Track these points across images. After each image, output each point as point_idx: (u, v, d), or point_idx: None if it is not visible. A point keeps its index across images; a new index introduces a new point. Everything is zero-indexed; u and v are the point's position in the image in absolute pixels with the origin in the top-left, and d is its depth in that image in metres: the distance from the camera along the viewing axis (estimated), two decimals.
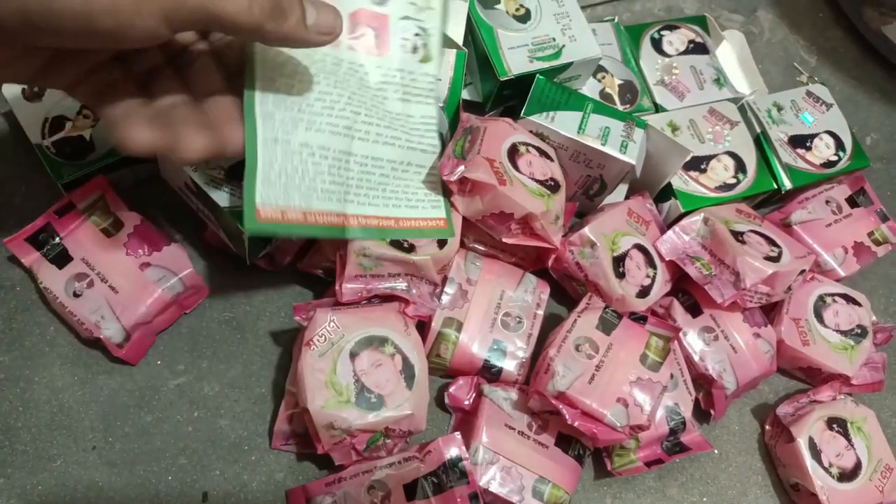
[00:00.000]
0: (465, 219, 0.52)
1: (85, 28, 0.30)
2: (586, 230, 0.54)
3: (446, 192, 0.50)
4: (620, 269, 0.54)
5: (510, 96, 0.58)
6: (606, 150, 0.53)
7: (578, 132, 0.54)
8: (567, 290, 0.59)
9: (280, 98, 0.42)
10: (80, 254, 0.50)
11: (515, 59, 0.56)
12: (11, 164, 0.56)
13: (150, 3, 0.30)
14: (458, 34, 0.56)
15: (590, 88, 0.63)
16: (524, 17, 0.58)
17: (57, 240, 0.51)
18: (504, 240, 0.52)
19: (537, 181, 0.52)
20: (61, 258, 0.50)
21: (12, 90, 0.52)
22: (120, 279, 0.50)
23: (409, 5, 0.49)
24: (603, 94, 0.63)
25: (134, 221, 0.51)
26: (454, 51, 0.54)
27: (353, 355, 0.46)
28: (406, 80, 0.49)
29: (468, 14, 0.57)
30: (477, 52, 0.57)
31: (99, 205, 0.51)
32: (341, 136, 0.45)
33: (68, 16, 0.29)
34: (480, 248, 0.56)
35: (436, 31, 0.50)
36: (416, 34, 0.49)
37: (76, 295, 0.49)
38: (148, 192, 0.56)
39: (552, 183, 0.52)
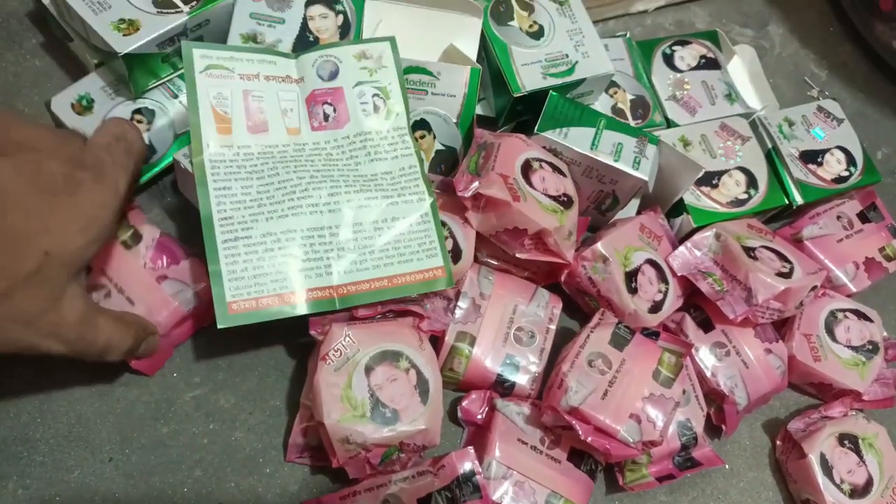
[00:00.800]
0: (478, 234, 0.52)
1: None
2: (599, 245, 0.54)
3: (441, 236, 0.49)
4: (633, 285, 0.55)
5: (523, 112, 0.59)
6: (619, 166, 0.54)
7: (591, 148, 0.54)
8: (580, 304, 0.59)
9: (237, 200, 0.46)
10: (99, 265, 0.51)
11: (529, 76, 0.56)
12: None
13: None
14: (471, 51, 0.57)
15: (602, 104, 0.63)
16: (537, 34, 0.58)
17: None
18: (517, 255, 0.52)
19: (550, 197, 0.52)
20: None
21: (61, 102, 0.53)
22: (137, 291, 0.50)
23: (362, 70, 0.51)
24: (615, 109, 0.63)
25: (153, 234, 0.51)
26: (468, 67, 0.55)
27: (368, 370, 0.47)
28: (375, 141, 0.50)
29: (482, 31, 0.57)
30: (490, 68, 0.58)
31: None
32: (307, 215, 0.47)
33: None
34: (493, 262, 0.56)
35: (394, 86, 0.52)
36: (375, 94, 0.51)
37: None
38: (167, 205, 0.57)
39: (565, 198, 0.53)
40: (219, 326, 0.43)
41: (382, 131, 0.51)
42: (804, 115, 0.67)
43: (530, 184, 0.52)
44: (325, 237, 0.47)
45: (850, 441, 0.55)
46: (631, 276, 0.55)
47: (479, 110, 0.60)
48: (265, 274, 0.45)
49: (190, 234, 0.56)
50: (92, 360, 0.42)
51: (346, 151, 0.50)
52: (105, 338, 0.42)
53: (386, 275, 0.47)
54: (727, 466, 0.57)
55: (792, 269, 0.56)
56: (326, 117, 0.50)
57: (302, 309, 0.45)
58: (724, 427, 0.56)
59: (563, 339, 0.55)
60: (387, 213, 0.49)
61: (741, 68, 0.72)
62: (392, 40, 0.53)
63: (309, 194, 0.47)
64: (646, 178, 0.54)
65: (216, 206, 0.45)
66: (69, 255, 0.38)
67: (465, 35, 0.57)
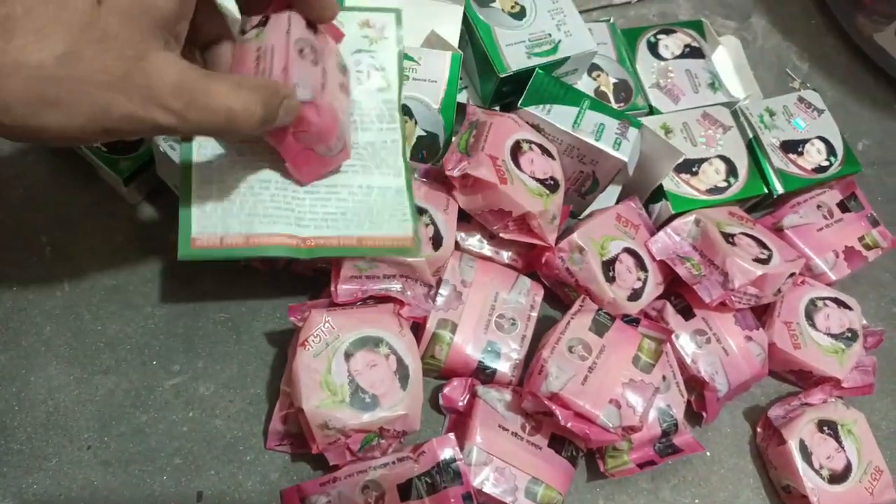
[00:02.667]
0: (459, 216, 0.52)
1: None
2: (575, 236, 0.55)
3: (413, 208, 0.49)
4: (610, 273, 0.55)
5: (509, 93, 0.59)
6: (600, 145, 0.54)
7: (574, 127, 0.54)
8: (559, 296, 0.59)
9: (218, 149, 0.45)
10: None
11: (513, 56, 0.56)
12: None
13: (146, 130, 0.34)
14: (453, 37, 0.57)
15: (585, 86, 0.63)
16: (519, 15, 0.59)
17: None
18: (501, 235, 0.53)
19: (538, 180, 0.52)
20: None
21: None
22: None
23: (362, 38, 0.51)
24: (598, 92, 0.63)
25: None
26: (449, 53, 0.55)
27: (347, 356, 0.46)
28: (363, 110, 0.50)
29: (465, 14, 0.57)
30: (476, 51, 0.58)
31: None
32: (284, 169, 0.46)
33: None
34: (475, 251, 0.56)
35: (392, 59, 0.52)
36: (371, 65, 0.51)
37: None
38: (160, 193, 0.57)
39: (552, 182, 0.53)
40: (179, 258, 0.42)
41: (372, 102, 0.51)
42: (785, 105, 0.67)
43: (518, 166, 0.52)
44: (298, 192, 0.46)
45: (829, 427, 0.56)
46: (608, 265, 0.55)
47: (464, 99, 0.60)
48: (234, 216, 0.44)
49: (171, 215, 0.56)
50: (228, 137, 0.40)
51: None
52: (225, 104, 0.35)
53: (356, 234, 0.47)
54: (708, 453, 0.57)
55: (770, 256, 0.56)
56: None
57: (267, 252, 0.45)
58: (704, 414, 0.56)
59: (544, 328, 0.55)
60: (364, 181, 0.49)
61: (726, 58, 0.73)
62: (398, 12, 0.53)
63: None
64: (626, 159, 0.54)
65: (197, 151, 0.45)
66: (127, 4, 0.32)
67: (447, 22, 0.57)
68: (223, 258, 0.44)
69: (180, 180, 0.44)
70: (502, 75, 0.55)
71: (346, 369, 0.46)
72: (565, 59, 0.58)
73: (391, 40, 0.52)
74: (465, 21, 0.58)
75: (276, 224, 0.45)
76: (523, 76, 0.56)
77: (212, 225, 0.44)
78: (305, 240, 0.46)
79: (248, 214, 0.45)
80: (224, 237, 0.43)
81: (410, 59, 0.54)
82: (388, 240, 0.48)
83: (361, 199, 0.48)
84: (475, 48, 0.58)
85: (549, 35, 0.58)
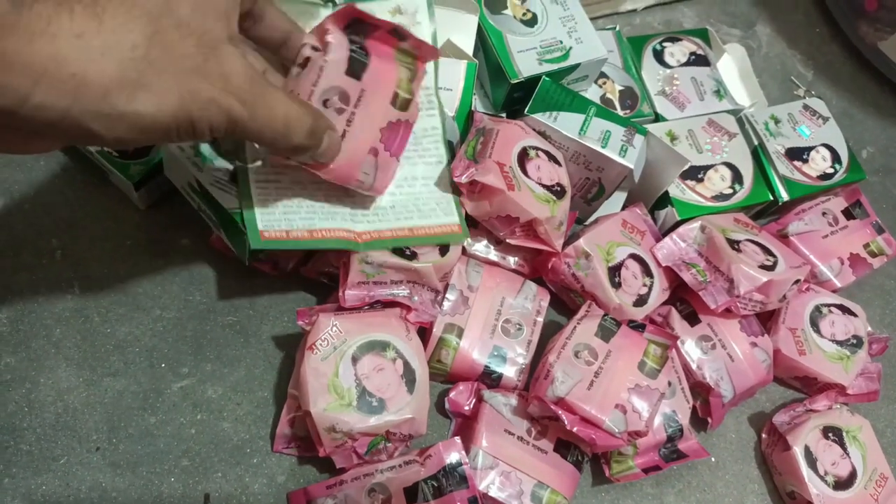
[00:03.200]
0: (468, 219, 0.53)
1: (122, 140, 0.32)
2: (581, 241, 0.55)
3: (457, 196, 0.51)
4: (616, 279, 0.55)
5: (521, 99, 0.60)
6: (606, 152, 0.54)
7: (580, 133, 0.55)
8: (566, 301, 0.60)
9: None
10: None
11: (525, 62, 0.57)
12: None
13: (205, 134, 0.34)
14: (468, 46, 0.57)
15: (591, 94, 0.64)
16: (531, 22, 0.59)
17: None
18: (508, 241, 0.53)
19: (544, 186, 0.53)
20: None
21: None
22: None
23: None
24: (604, 99, 0.64)
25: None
26: (465, 61, 0.55)
27: (355, 359, 0.47)
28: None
29: (479, 22, 0.58)
30: (488, 58, 0.58)
31: None
32: None
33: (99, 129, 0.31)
34: (481, 256, 0.57)
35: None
36: None
37: None
38: (169, 198, 0.58)
39: (559, 188, 0.53)
40: (252, 248, 0.44)
41: None
42: (790, 112, 0.67)
43: (525, 172, 0.52)
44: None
45: (834, 433, 0.56)
46: (614, 271, 0.55)
47: (477, 106, 0.61)
48: (294, 212, 0.46)
49: (180, 219, 0.56)
50: (278, 148, 0.38)
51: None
52: (283, 111, 0.36)
53: (407, 225, 0.49)
54: (713, 459, 0.57)
55: (776, 263, 0.56)
56: None
57: (328, 245, 0.47)
58: (709, 420, 0.56)
59: (550, 333, 0.55)
60: (409, 172, 0.50)
61: (731, 66, 0.73)
62: None
63: None
64: (631, 166, 0.54)
65: (251, 156, 0.47)
66: None
67: (462, 31, 0.58)
68: (294, 248, 0.46)
69: (239, 183, 0.46)
70: (514, 81, 0.56)
71: (353, 373, 0.46)
72: (576, 66, 0.58)
73: (424, 25, 0.52)
74: (478, 29, 0.58)
75: (334, 220, 0.47)
76: (535, 82, 0.57)
77: (276, 220, 0.45)
78: (360, 234, 0.47)
79: (308, 211, 0.47)
80: (289, 231, 0.45)
81: None
82: (437, 228, 0.50)
83: (408, 191, 0.50)
84: (487, 54, 0.58)
85: (561, 42, 0.59)
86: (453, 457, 0.47)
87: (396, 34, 0.43)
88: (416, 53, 0.45)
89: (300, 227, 0.46)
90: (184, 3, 0.31)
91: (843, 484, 0.54)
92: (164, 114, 0.31)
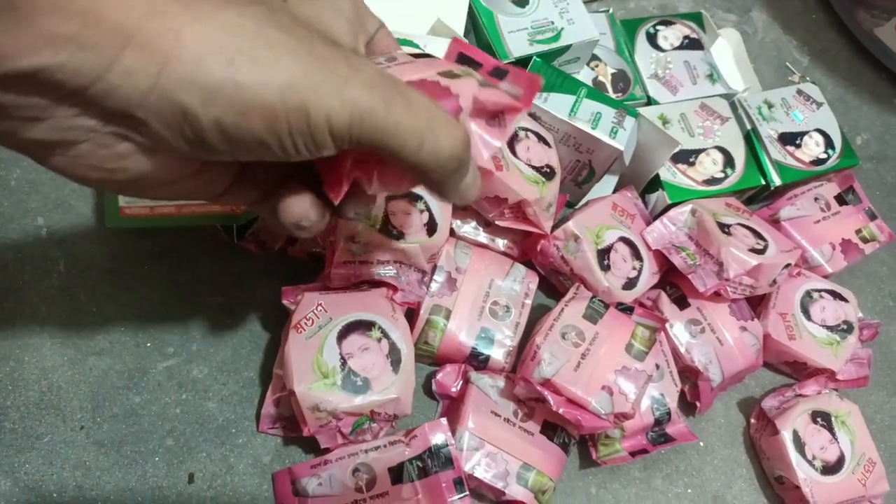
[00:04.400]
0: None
1: (272, 144, 0.26)
2: (570, 224, 0.55)
3: None
4: (605, 262, 0.55)
5: None
6: (596, 134, 0.54)
7: (570, 115, 0.54)
8: (554, 284, 0.59)
9: None
10: None
11: (516, 43, 0.57)
12: None
13: (321, 129, 0.26)
14: (459, 25, 0.57)
15: (583, 76, 0.64)
16: (523, 2, 0.59)
17: None
18: (497, 222, 0.53)
19: (534, 168, 0.52)
20: None
21: None
22: None
23: None
24: (596, 82, 0.63)
25: None
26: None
27: (339, 339, 0.47)
28: None
29: (468, 1, 0.58)
30: (479, 39, 0.58)
31: None
32: None
33: (256, 135, 0.26)
34: (469, 239, 0.56)
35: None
36: None
37: None
38: None
39: (548, 170, 0.53)
40: (108, 226, 0.44)
41: None
42: (784, 97, 0.67)
43: (515, 153, 0.52)
44: None
45: (822, 418, 0.55)
46: (603, 254, 0.55)
47: None
48: None
49: None
50: (419, 162, 0.28)
51: None
52: (426, 106, 0.28)
53: None
54: (701, 443, 0.57)
55: (766, 247, 0.56)
56: None
57: (198, 220, 0.46)
58: (698, 404, 0.56)
59: (538, 316, 0.55)
60: None
61: (726, 51, 0.73)
62: None
63: None
64: (621, 148, 0.54)
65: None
66: None
67: (453, 11, 0.57)
68: (153, 227, 0.44)
69: None
70: (505, 62, 0.55)
71: (337, 352, 0.46)
72: (567, 48, 0.58)
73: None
74: (468, 8, 0.58)
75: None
76: (526, 63, 0.56)
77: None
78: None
79: None
80: (154, 207, 0.44)
81: (416, 46, 0.54)
82: None
83: None
84: (478, 34, 0.58)
85: (552, 23, 0.58)
86: (439, 438, 0.47)
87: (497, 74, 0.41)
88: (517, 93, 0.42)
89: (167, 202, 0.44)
90: (306, 5, 0.29)
91: (830, 469, 0.54)
92: (270, 90, 0.25)
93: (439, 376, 0.53)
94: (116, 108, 0.24)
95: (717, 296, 0.56)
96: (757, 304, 0.60)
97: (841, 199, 0.65)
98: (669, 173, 0.59)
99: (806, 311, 0.59)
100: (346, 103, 0.26)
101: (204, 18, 0.24)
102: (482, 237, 0.57)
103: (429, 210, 0.52)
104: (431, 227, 0.51)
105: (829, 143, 0.66)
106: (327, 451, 0.48)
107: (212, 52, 0.24)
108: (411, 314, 0.52)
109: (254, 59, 0.24)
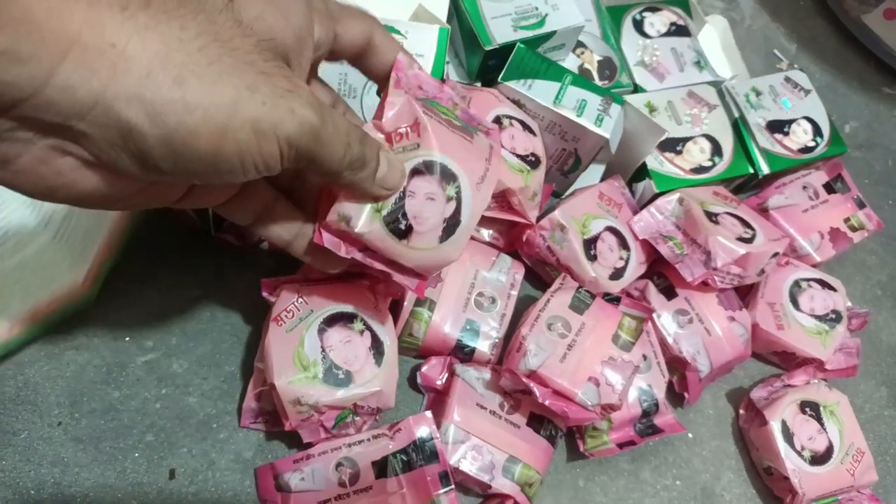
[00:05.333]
0: None
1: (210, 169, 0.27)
2: (556, 214, 0.54)
3: None
4: (592, 252, 0.54)
5: (497, 67, 0.58)
6: (581, 121, 0.53)
7: (555, 102, 0.53)
8: (541, 275, 0.59)
9: None
10: None
11: (499, 29, 0.56)
12: None
13: (271, 144, 0.27)
14: (441, 10, 0.56)
15: (569, 64, 0.63)
16: None
17: None
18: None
19: (518, 156, 0.51)
20: None
21: None
22: None
23: None
24: (582, 69, 0.62)
25: None
26: (437, 26, 0.54)
27: (321, 331, 0.46)
28: None
29: None
30: (462, 25, 0.57)
31: None
32: None
33: (195, 158, 0.26)
34: None
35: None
36: None
37: None
38: None
39: (532, 158, 0.52)
40: None
41: None
42: (772, 85, 0.66)
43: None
44: None
45: (811, 408, 0.55)
46: (590, 244, 0.54)
47: (451, 74, 0.59)
48: None
49: None
50: (340, 168, 0.31)
51: None
52: (343, 122, 0.31)
53: None
54: (690, 435, 0.57)
55: (754, 236, 0.55)
56: None
57: None
58: (686, 395, 0.56)
59: (524, 307, 0.54)
60: None
61: (713, 38, 0.72)
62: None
63: None
64: (607, 136, 0.53)
65: None
66: None
67: None
68: None
69: None
70: (488, 48, 0.55)
71: (319, 345, 0.45)
72: (552, 34, 0.57)
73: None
74: None
75: None
76: (509, 50, 0.55)
77: None
78: None
79: None
80: None
81: (398, 32, 0.53)
82: None
83: None
84: (461, 21, 0.57)
85: (536, 8, 0.57)
86: (423, 431, 0.46)
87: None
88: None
89: None
90: (251, 5, 0.28)
91: (819, 459, 0.54)
92: (218, 106, 0.25)
93: (424, 369, 0.52)
94: (55, 122, 0.24)
95: (704, 286, 0.55)
96: (745, 293, 0.60)
97: (829, 188, 0.65)
98: (657, 162, 0.58)
99: (794, 301, 0.59)
100: (293, 117, 0.27)
101: (144, 31, 0.24)
102: None
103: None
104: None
105: (817, 131, 0.65)
106: (310, 445, 0.47)
107: (156, 68, 0.24)
108: (395, 306, 0.51)
109: (199, 77, 0.24)
